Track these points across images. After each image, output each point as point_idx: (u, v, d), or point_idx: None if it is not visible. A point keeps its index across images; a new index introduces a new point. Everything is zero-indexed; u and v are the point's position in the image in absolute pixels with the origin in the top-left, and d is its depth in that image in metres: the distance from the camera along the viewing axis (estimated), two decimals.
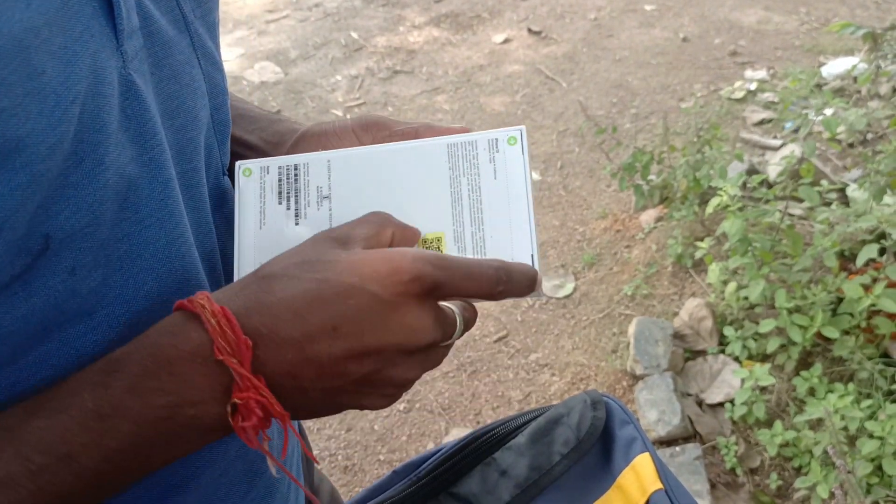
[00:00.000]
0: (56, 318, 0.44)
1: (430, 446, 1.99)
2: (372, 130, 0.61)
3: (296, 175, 0.57)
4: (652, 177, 2.44)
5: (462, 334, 0.50)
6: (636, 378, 2.02)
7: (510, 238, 0.55)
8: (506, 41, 3.78)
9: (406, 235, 0.53)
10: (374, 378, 0.45)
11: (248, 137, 0.65)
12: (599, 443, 0.73)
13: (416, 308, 0.45)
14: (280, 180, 0.57)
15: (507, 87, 3.44)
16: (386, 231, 0.51)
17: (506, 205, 0.56)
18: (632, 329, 2.10)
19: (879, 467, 1.57)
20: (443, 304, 0.48)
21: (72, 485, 0.41)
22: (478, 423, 2.02)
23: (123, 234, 0.46)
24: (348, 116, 3.32)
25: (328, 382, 0.44)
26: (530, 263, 0.54)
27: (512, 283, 0.48)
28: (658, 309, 2.23)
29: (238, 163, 0.57)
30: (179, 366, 0.42)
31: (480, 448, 0.73)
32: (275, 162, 0.57)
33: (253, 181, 0.57)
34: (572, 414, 0.74)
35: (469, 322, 0.51)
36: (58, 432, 0.41)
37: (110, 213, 0.44)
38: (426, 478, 0.71)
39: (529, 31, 3.83)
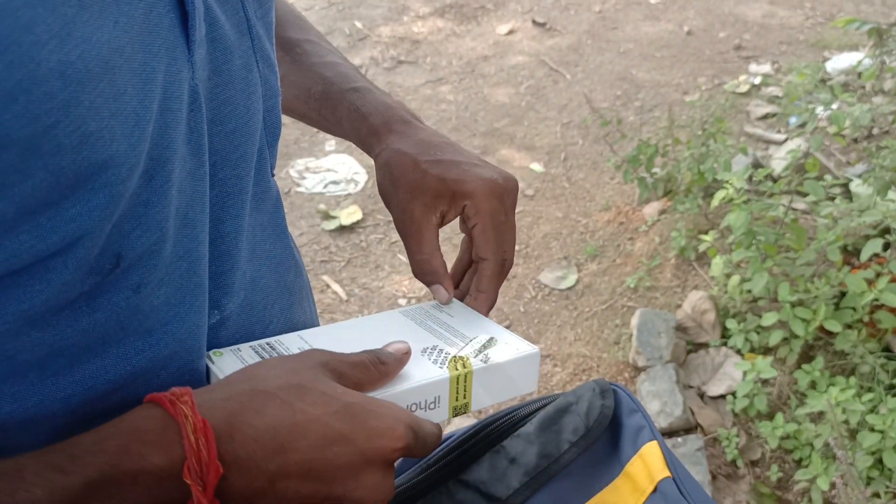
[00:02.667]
0: (116, 333, 0.43)
1: None
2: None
3: (271, 347, 0.56)
4: (656, 169, 2.44)
5: None
6: (638, 370, 2.03)
7: (504, 337, 0.62)
8: (510, 32, 3.77)
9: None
10: None
11: (337, 122, 0.67)
12: (608, 431, 0.73)
13: (385, 470, 0.45)
14: (257, 352, 0.55)
15: (511, 78, 3.43)
16: (374, 370, 0.50)
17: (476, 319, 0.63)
18: (634, 321, 2.11)
19: (880, 460, 1.58)
20: None
21: None
22: (481, 411, 2.03)
23: (184, 252, 0.46)
24: None
25: None
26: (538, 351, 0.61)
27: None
28: (661, 301, 2.24)
29: (208, 353, 0.54)
30: (145, 479, 0.40)
31: (489, 436, 0.73)
32: (246, 345, 0.56)
33: (227, 357, 0.53)
34: (581, 402, 0.74)
35: None
36: None
37: (173, 230, 0.44)
38: (435, 465, 0.72)
39: (534, 22, 3.82)
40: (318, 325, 0.69)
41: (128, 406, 0.44)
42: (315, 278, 2.48)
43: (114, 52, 0.36)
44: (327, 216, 2.71)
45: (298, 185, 2.88)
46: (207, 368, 0.52)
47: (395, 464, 0.74)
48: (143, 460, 0.40)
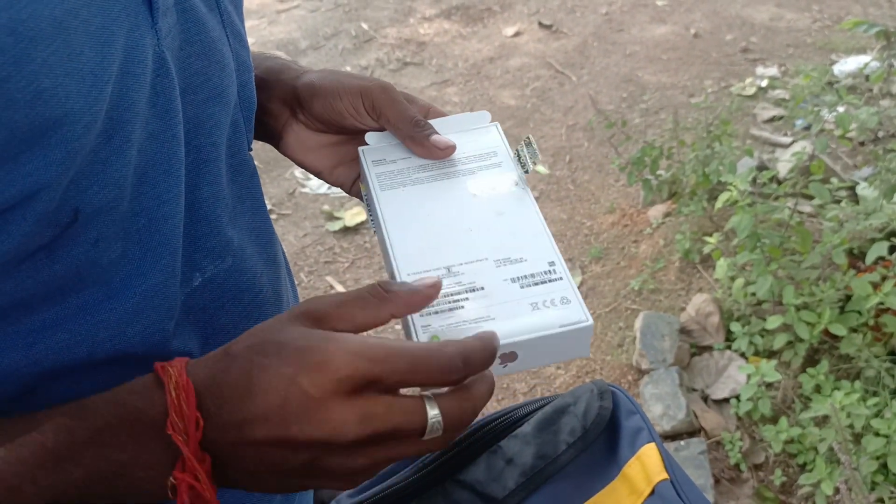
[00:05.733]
0: (75, 284, 0.45)
1: None
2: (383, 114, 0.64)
3: None
4: (661, 172, 2.44)
5: (446, 429, 0.46)
6: (641, 372, 2.02)
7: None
8: (516, 34, 3.77)
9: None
10: (316, 465, 0.44)
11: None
12: (605, 432, 0.73)
13: (341, 405, 0.43)
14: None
15: (516, 80, 3.43)
16: (372, 301, 0.48)
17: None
18: (638, 323, 2.10)
19: (885, 465, 1.57)
20: (407, 393, 0.46)
21: None
22: (483, 413, 2.02)
23: (142, 209, 0.47)
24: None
25: (272, 467, 0.44)
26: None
27: (472, 366, 0.46)
28: (665, 304, 2.23)
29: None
30: (140, 428, 0.43)
31: (486, 436, 0.73)
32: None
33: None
34: (579, 403, 0.74)
35: (452, 417, 0.46)
36: (13, 464, 0.41)
37: (130, 187, 0.45)
38: (432, 465, 0.71)
39: (540, 24, 3.82)
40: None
41: (97, 362, 0.47)
42: (319, 279, 2.48)
43: (67, 14, 0.38)
44: (331, 217, 2.71)
45: (303, 185, 2.88)
46: None
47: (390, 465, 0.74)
48: (138, 412, 0.43)
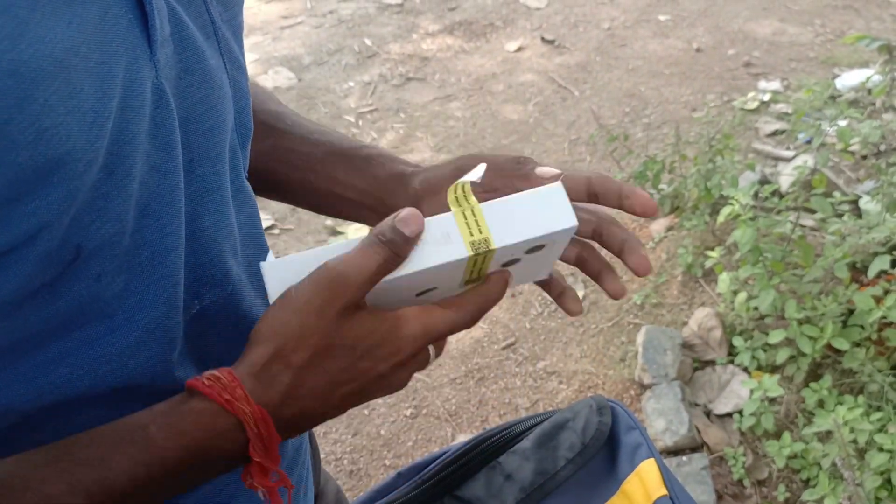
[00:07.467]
0: (77, 319, 0.45)
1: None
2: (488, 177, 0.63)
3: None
4: (663, 186, 2.44)
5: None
6: (644, 387, 2.01)
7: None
8: (519, 49, 3.78)
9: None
10: (355, 367, 0.50)
11: (349, 182, 0.67)
12: (605, 448, 0.73)
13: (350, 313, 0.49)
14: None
15: (519, 95, 3.44)
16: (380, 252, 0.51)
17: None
18: (640, 338, 2.09)
19: (888, 480, 1.56)
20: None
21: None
22: (484, 429, 2.02)
23: (144, 242, 0.46)
24: (360, 122, 3.33)
25: (323, 386, 0.50)
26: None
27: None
28: (667, 318, 2.23)
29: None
30: (223, 462, 0.48)
31: (486, 451, 0.73)
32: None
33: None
34: (578, 419, 0.74)
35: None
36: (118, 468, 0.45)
37: (132, 220, 0.45)
38: (430, 480, 0.71)
39: (543, 39, 3.84)
40: None
41: (98, 394, 0.47)
42: None
43: (68, 52, 0.37)
44: (334, 232, 2.72)
45: None
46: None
47: (387, 479, 0.74)
48: (218, 451, 0.47)
